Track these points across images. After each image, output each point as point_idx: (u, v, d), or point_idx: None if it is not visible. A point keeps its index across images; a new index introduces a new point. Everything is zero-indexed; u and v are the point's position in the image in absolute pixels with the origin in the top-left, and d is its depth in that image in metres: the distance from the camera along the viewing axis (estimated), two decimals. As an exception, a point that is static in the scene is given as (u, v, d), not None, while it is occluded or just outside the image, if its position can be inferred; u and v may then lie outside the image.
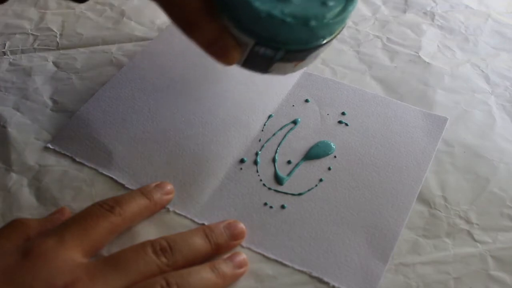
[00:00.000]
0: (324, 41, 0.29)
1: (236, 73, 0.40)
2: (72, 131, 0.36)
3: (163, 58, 0.41)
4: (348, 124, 0.37)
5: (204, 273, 0.27)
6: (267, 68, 0.31)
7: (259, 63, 0.31)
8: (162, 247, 0.28)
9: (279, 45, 0.29)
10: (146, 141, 0.36)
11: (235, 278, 0.29)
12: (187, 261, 0.28)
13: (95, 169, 0.34)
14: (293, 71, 0.32)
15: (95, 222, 0.28)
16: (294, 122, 0.37)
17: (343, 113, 0.38)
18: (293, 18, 0.27)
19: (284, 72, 0.32)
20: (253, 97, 0.39)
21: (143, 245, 0.28)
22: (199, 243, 0.29)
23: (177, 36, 0.44)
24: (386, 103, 0.39)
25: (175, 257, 0.28)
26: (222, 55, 0.30)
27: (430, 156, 0.35)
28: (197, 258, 0.29)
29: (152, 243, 0.28)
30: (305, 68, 0.42)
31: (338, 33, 0.30)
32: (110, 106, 0.38)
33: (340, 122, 0.37)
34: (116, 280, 0.26)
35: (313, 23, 0.27)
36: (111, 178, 0.34)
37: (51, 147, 0.35)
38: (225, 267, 0.28)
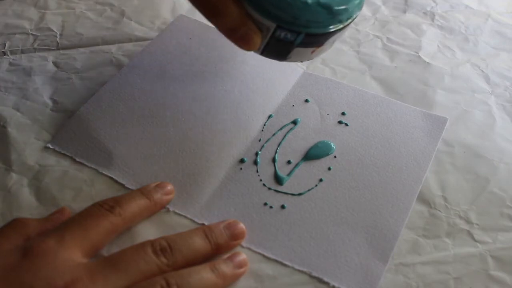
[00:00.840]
0: (342, 26, 0.30)
1: (237, 73, 0.40)
2: (72, 131, 0.36)
3: (163, 58, 0.41)
4: (348, 124, 0.37)
5: (204, 273, 0.27)
6: (287, 54, 0.32)
7: (279, 48, 0.32)
8: (162, 247, 0.28)
9: (300, 29, 0.30)
10: (146, 141, 0.36)
11: (235, 278, 0.29)
12: (187, 261, 0.28)
13: (95, 169, 0.34)
14: (310, 58, 0.33)
15: (95, 222, 0.28)
16: (294, 122, 0.37)
17: (343, 113, 0.38)
18: (315, 1, 0.28)
19: (301, 58, 0.33)
20: (253, 97, 0.39)
21: (143, 245, 0.28)
22: (199, 243, 0.29)
23: (177, 36, 0.44)
24: (386, 103, 0.39)
25: (175, 257, 0.28)
26: (244, 41, 0.31)
27: (430, 156, 0.35)
28: (197, 258, 0.29)
29: (152, 243, 0.28)
30: (305, 68, 0.42)
31: (355, 18, 0.31)
32: (110, 106, 0.38)
33: (340, 122, 0.37)
34: (116, 280, 0.26)
35: (335, 6, 0.29)
36: (111, 178, 0.34)
37: (51, 147, 0.35)
38: (225, 267, 0.28)
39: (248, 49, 0.32)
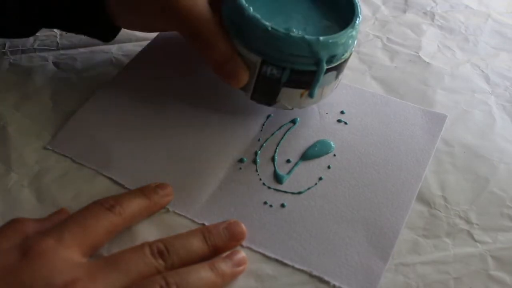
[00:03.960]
0: (328, 67, 0.32)
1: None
2: (71, 132, 0.36)
3: (163, 59, 0.41)
4: (347, 122, 0.37)
5: (203, 272, 0.27)
6: (275, 95, 0.33)
7: (267, 87, 0.33)
8: (159, 250, 0.28)
9: (285, 64, 0.31)
10: (145, 141, 0.36)
11: (234, 276, 0.29)
12: (184, 264, 0.28)
13: (95, 169, 0.34)
14: (300, 105, 0.35)
15: (95, 221, 0.28)
16: (293, 122, 0.37)
17: (342, 112, 0.38)
18: (300, 36, 0.30)
19: (290, 102, 0.34)
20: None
21: (141, 246, 0.28)
22: (197, 245, 0.29)
23: (177, 36, 0.44)
24: (385, 101, 0.39)
25: (172, 260, 0.28)
26: (231, 76, 0.33)
27: (430, 154, 0.35)
28: (195, 260, 0.28)
29: (149, 245, 0.28)
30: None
31: (343, 62, 0.33)
32: (110, 106, 0.38)
33: (339, 120, 0.37)
34: (116, 279, 0.26)
35: (318, 43, 0.30)
36: (111, 178, 0.34)
37: (50, 148, 0.35)
38: (224, 266, 0.28)
39: (236, 85, 0.33)
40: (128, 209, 0.30)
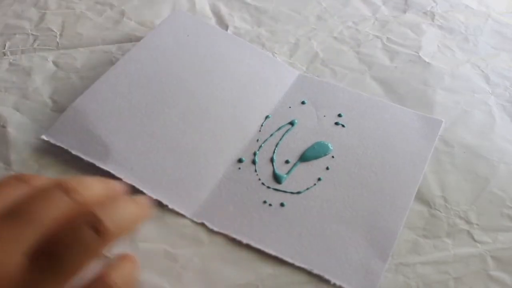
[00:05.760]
0: None
1: (233, 72, 0.40)
2: (67, 123, 0.35)
3: (160, 53, 0.41)
4: (345, 125, 0.37)
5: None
6: None
7: None
8: (69, 187, 0.22)
9: None
10: (143, 136, 0.35)
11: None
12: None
13: (94, 169, 0.34)
14: None
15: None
16: (291, 123, 0.37)
17: (339, 115, 0.38)
18: None
19: None
20: (250, 97, 0.39)
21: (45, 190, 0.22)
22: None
23: (174, 31, 0.44)
24: (381, 105, 0.39)
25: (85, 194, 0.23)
26: None
27: (427, 157, 0.35)
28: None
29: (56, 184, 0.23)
30: (304, 69, 0.41)
31: None
32: (106, 99, 0.37)
33: (336, 123, 0.37)
34: (26, 234, 0.20)
35: None
36: (110, 176, 0.33)
37: (45, 139, 0.35)
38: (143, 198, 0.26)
39: None
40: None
